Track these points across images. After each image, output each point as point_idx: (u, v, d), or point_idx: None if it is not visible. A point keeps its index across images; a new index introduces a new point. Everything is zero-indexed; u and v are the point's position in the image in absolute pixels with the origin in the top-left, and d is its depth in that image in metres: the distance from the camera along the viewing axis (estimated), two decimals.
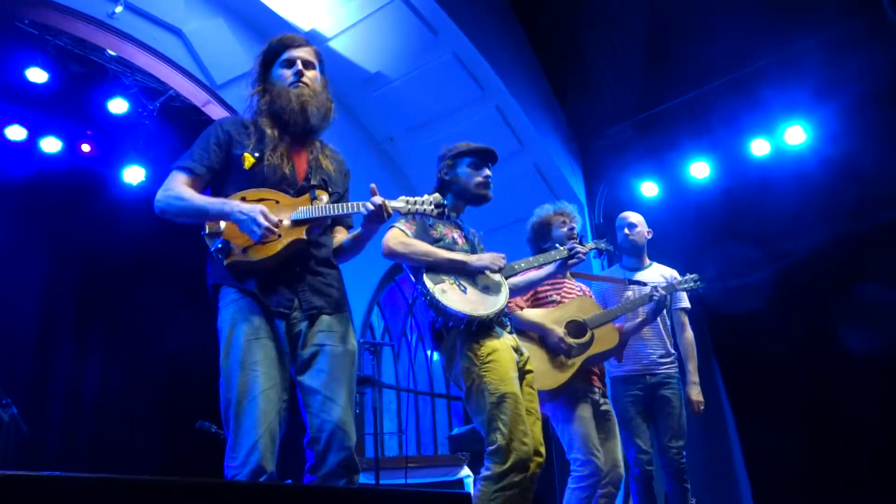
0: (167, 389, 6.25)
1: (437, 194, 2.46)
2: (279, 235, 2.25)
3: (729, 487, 6.86)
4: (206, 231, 2.31)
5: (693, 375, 4.12)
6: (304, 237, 2.31)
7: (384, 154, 6.63)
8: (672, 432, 3.94)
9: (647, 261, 4.35)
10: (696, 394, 4.08)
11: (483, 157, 3.14)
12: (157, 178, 6.58)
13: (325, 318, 2.34)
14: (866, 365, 5.88)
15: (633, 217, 4.38)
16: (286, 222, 2.29)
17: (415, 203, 2.39)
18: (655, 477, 3.96)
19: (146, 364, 6.12)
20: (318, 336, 2.30)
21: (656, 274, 4.25)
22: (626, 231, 4.31)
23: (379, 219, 2.34)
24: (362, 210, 2.32)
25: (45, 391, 5.76)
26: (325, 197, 2.41)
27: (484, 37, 6.10)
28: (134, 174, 6.41)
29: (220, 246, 2.26)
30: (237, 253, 2.26)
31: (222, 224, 2.29)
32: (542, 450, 2.77)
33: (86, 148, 6.29)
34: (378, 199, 2.32)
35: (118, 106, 6.03)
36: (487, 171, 3.13)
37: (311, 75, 2.51)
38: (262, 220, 2.20)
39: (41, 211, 6.16)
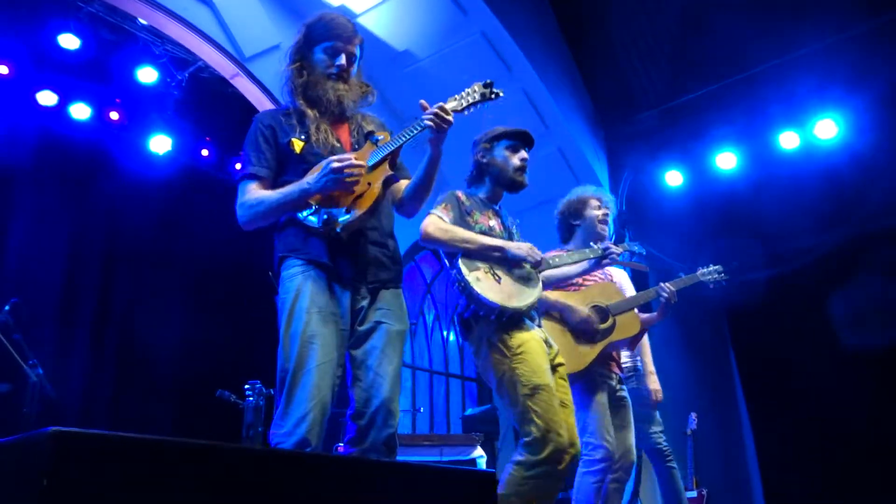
0: (186, 357, 6.33)
1: (476, 84, 2.43)
2: (363, 167, 2.27)
3: (740, 478, 6.89)
4: (302, 216, 2.31)
5: (649, 366, 4.22)
6: (391, 171, 2.36)
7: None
8: (643, 420, 4.03)
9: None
10: (652, 383, 4.18)
11: (520, 140, 3.12)
12: (183, 147, 6.65)
13: (385, 294, 2.36)
14: (883, 362, 5.86)
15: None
16: (366, 168, 2.32)
17: (463, 98, 2.39)
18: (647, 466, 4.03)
19: (167, 330, 6.20)
20: (377, 313, 2.32)
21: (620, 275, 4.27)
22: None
23: (442, 127, 2.31)
24: (425, 123, 2.31)
25: (68, 353, 5.86)
26: (387, 136, 2.42)
27: (513, 18, 6.06)
28: (160, 143, 6.46)
29: (325, 217, 2.27)
30: (343, 215, 2.27)
31: (311, 201, 2.29)
32: (577, 442, 2.75)
33: (114, 115, 6.33)
34: (435, 107, 2.32)
35: (147, 75, 6.06)
36: (524, 154, 3.10)
37: (351, 70, 2.51)
38: (336, 164, 2.22)
39: (68, 176, 6.23)
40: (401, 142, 2.34)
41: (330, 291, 2.28)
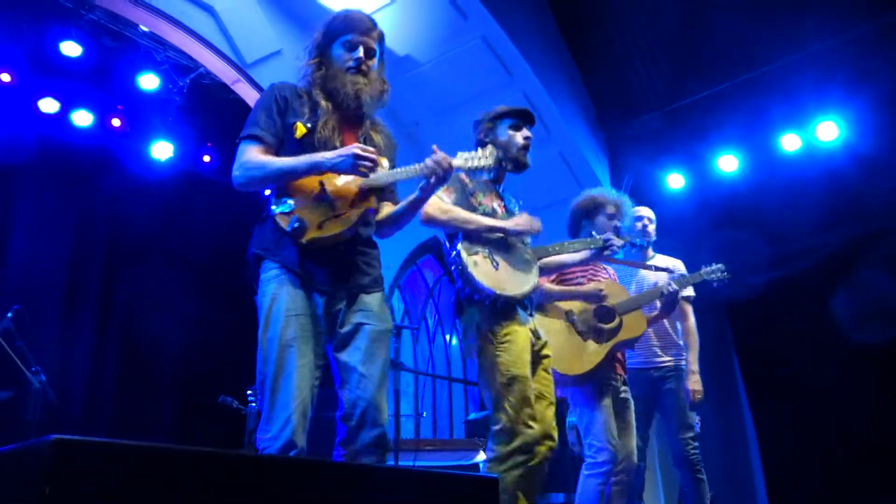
0: (188, 363, 6.34)
1: (490, 146, 2.44)
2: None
3: (743, 478, 6.88)
4: (276, 211, 2.29)
5: (692, 365, 4.09)
6: (375, 205, 2.34)
7: (410, 138, 6.63)
8: (679, 423, 3.95)
9: (651, 252, 4.36)
10: (692, 383, 4.05)
11: (522, 118, 3.10)
12: (185, 154, 6.66)
13: (364, 297, 2.36)
14: (884, 362, 5.85)
15: (651, 213, 4.43)
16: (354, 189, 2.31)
17: (472, 158, 2.38)
18: (668, 468, 3.97)
19: (169, 337, 6.21)
20: (357, 314, 2.32)
21: (661, 264, 4.25)
22: (646, 223, 4.34)
23: (442, 178, 2.32)
24: (425, 171, 2.30)
25: (70, 360, 5.87)
26: (385, 163, 2.41)
27: (513, 21, 6.07)
28: (162, 150, 6.48)
29: (296, 225, 2.24)
30: (313, 229, 2.26)
31: (291, 201, 2.28)
32: (555, 434, 2.77)
33: (116, 122, 6.35)
34: (440, 156, 2.30)
35: (149, 81, 6.08)
36: (527, 132, 3.08)
37: (370, 64, 2.48)
38: (359, 151, 2.23)
39: (71, 183, 6.25)
40: (393, 179, 2.36)
41: (306, 294, 2.28)
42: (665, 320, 4.08)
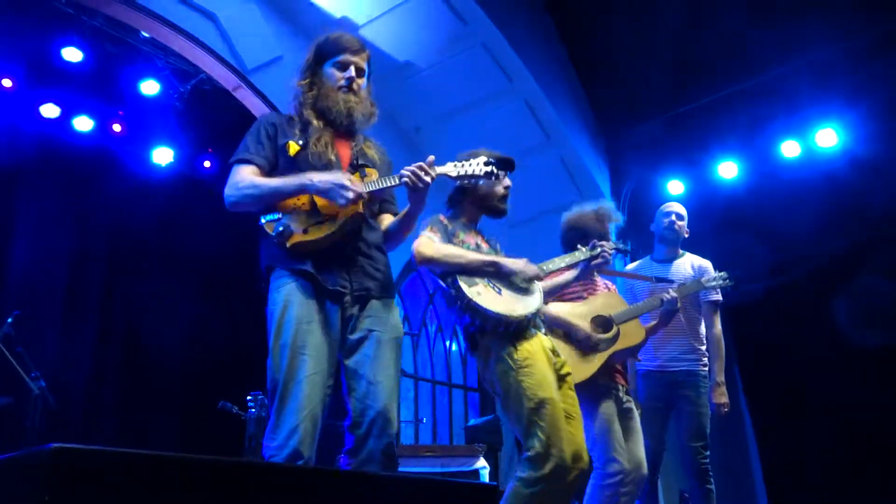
0: (188, 368, 6.34)
1: (483, 157, 2.47)
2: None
3: (743, 478, 6.87)
4: (264, 220, 2.32)
5: (718, 375, 4.00)
6: (361, 211, 2.36)
7: (410, 143, 6.65)
8: (691, 431, 3.87)
9: (680, 251, 4.31)
10: (718, 395, 3.97)
11: (504, 166, 3.03)
12: (185, 159, 6.68)
13: (374, 302, 2.37)
14: (884, 364, 5.86)
15: (682, 209, 4.34)
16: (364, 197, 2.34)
17: (463, 167, 2.41)
18: (668, 472, 3.91)
19: (169, 342, 6.21)
20: (367, 321, 2.33)
21: (687, 264, 4.20)
22: (674, 219, 4.26)
23: (423, 183, 2.33)
24: (405, 180, 2.34)
25: (70, 365, 5.86)
26: (374, 174, 2.44)
27: (514, 28, 6.08)
28: (163, 155, 6.50)
29: (281, 229, 2.28)
30: (299, 233, 2.29)
31: (279, 213, 2.32)
32: (585, 455, 2.71)
33: (117, 128, 6.36)
34: (420, 164, 2.33)
35: (150, 87, 6.08)
36: (508, 182, 3.06)
37: (360, 83, 2.53)
38: (348, 183, 2.26)
39: (71, 188, 6.25)
40: (381, 186, 2.39)
41: (318, 301, 2.29)
42: (686, 324, 4.02)
